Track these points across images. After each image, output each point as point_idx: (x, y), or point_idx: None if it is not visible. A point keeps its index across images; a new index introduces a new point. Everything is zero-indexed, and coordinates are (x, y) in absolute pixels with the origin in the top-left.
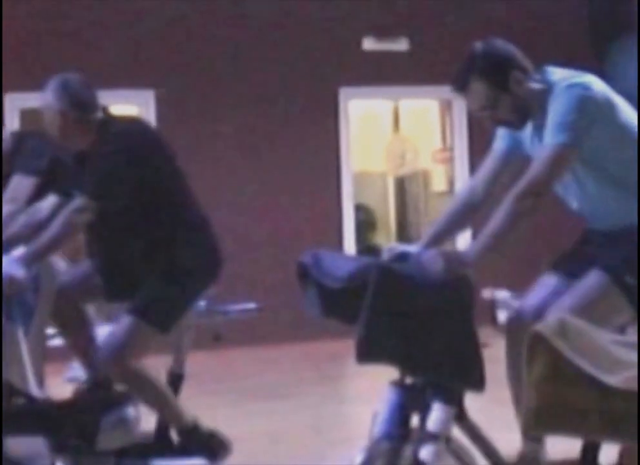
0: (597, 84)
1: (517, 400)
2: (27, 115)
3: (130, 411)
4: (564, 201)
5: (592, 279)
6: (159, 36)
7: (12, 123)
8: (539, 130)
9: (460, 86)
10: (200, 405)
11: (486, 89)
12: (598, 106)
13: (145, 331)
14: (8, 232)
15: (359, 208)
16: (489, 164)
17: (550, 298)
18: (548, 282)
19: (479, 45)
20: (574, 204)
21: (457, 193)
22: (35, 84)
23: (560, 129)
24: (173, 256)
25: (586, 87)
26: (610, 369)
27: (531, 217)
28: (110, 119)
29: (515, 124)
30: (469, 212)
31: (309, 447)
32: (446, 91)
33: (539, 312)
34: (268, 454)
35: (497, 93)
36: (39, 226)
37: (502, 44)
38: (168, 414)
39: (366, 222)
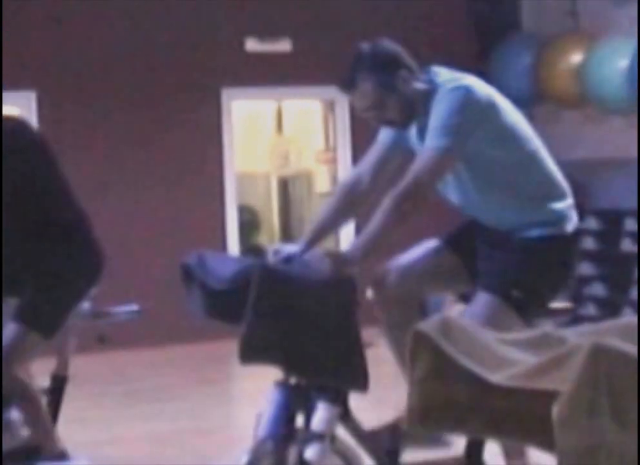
0: (480, 86)
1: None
2: None
3: (14, 413)
4: (445, 197)
5: (480, 301)
6: (38, 37)
7: None
8: (422, 130)
9: (348, 86)
10: (84, 408)
11: (374, 88)
12: (481, 109)
13: (31, 338)
14: None
15: (243, 209)
16: (373, 155)
17: (419, 260)
18: (426, 245)
19: (366, 45)
20: (456, 201)
21: (339, 185)
22: None
23: (442, 132)
24: (53, 257)
25: (469, 90)
26: (494, 367)
27: (412, 217)
28: None
29: (400, 124)
30: (352, 205)
31: (194, 449)
32: (328, 91)
33: (403, 272)
34: (153, 458)
35: (384, 93)
36: None
37: (389, 44)
38: (41, 433)
39: (249, 223)
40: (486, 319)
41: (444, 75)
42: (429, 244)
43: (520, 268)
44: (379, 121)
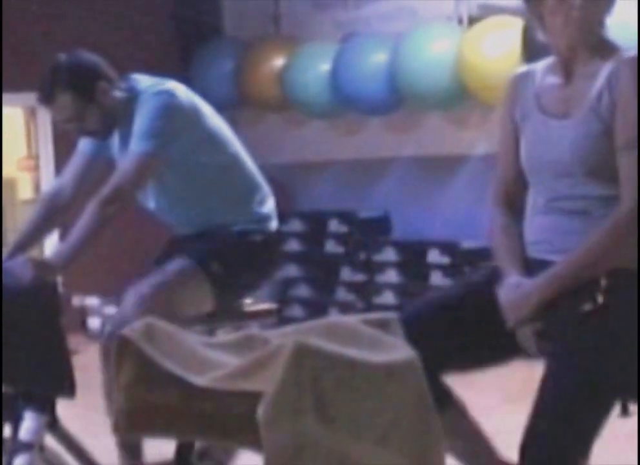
0: (182, 90)
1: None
2: None
3: None
4: (143, 204)
5: (177, 263)
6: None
7: None
8: (125, 138)
9: (46, 99)
10: None
11: (72, 101)
12: (184, 113)
13: None
14: None
15: None
16: (74, 165)
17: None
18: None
19: (62, 57)
20: (154, 207)
21: (42, 195)
22: None
23: (145, 137)
24: None
25: (171, 94)
26: (197, 370)
27: (112, 223)
28: None
29: (101, 134)
30: (55, 215)
31: None
32: (29, 98)
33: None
34: None
35: (83, 105)
36: None
37: (86, 55)
38: None
39: None
40: (175, 278)
41: (145, 81)
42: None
43: (221, 250)
44: (80, 132)
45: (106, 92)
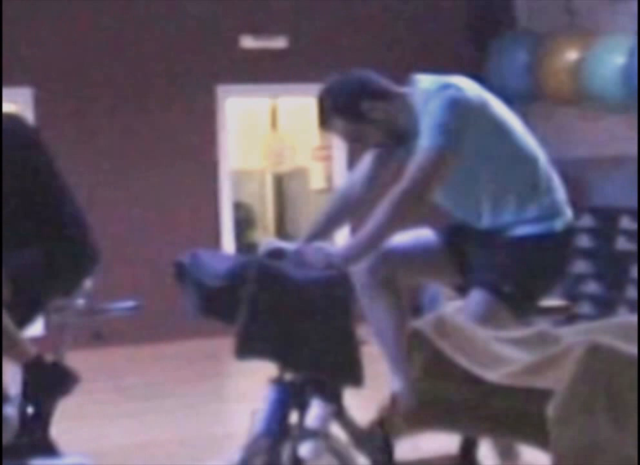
0: (467, 84)
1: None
2: None
3: (10, 410)
4: (435, 200)
5: (474, 299)
6: (34, 32)
7: None
8: (415, 137)
9: (322, 125)
10: (79, 404)
11: (346, 124)
12: (471, 106)
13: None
14: None
15: (238, 206)
16: (366, 163)
17: (409, 247)
18: (417, 232)
19: (326, 85)
20: (445, 202)
21: (336, 190)
22: None
23: (436, 132)
24: (45, 251)
25: (457, 88)
26: (488, 365)
27: (412, 219)
28: None
29: (387, 145)
30: (347, 209)
31: (189, 446)
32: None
33: (394, 257)
34: (146, 454)
35: (355, 127)
36: None
37: (349, 78)
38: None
39: (244, 220)
40: (480, 316)
41: (430, 80)
42: (421, 232)
43: (510, 265)
44: (366, 146)
45: (376, 108)
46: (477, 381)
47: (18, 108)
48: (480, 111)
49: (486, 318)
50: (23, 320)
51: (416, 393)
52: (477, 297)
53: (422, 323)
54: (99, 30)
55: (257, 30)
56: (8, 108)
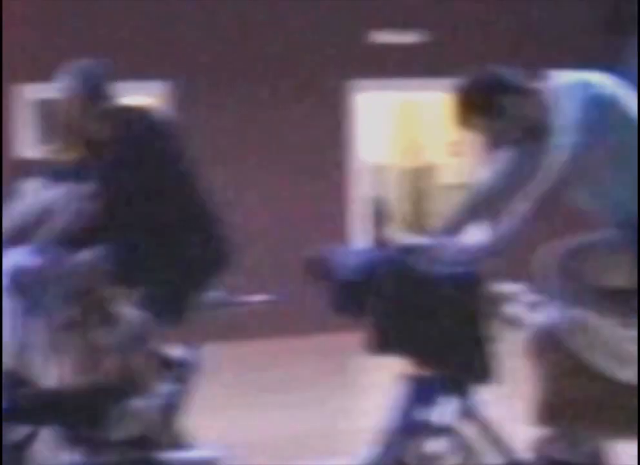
0: (602, 80)
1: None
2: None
3: (138, 401)
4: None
5: None
6: (170, 28)
7: (26, 115)
8: (554, 133)
9: (462, 126)
10: (213, 396)
11: (483, 121)
12: (607, 102)
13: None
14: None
15: (373, 201)
16: (503, 158)
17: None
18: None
19: (463, 81)
20: (587, 202)
21: (468, 186)
22: (48, 75)
23: (575, 129)
24: (178, 247)
25: (592, 85)
26: (623, 364)
27: (549, 218)
28: (124, 108)
29: (527, 141)
30: (482, 205)
31: (323, 440)
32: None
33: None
34: (278, 446)
35: (494, 123)
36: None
37: (487, 74)
38: None
39: (379, 214)
40: None
41: (564, 77)
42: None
43: None
44: (502, 143)
45: (512, 105)
46: (613, 381)
47: (153, 102)
48: (616, 106)
49: None
50: (170, 315)
51: (550, 392)
52: None
53: (556, 322)
54: (235, 25)
55: (388, 25)
56: (143, 101)
